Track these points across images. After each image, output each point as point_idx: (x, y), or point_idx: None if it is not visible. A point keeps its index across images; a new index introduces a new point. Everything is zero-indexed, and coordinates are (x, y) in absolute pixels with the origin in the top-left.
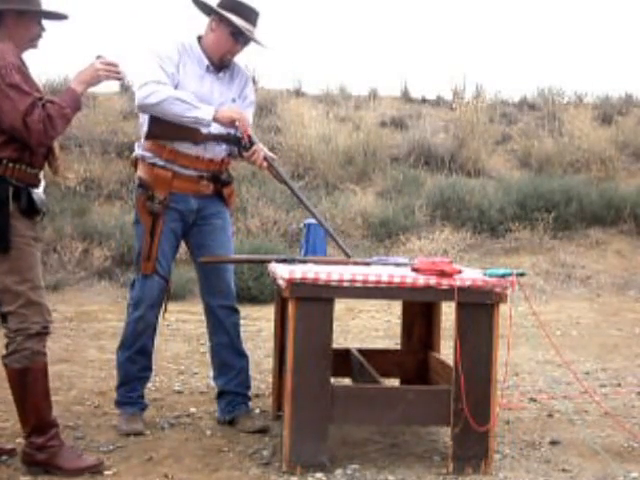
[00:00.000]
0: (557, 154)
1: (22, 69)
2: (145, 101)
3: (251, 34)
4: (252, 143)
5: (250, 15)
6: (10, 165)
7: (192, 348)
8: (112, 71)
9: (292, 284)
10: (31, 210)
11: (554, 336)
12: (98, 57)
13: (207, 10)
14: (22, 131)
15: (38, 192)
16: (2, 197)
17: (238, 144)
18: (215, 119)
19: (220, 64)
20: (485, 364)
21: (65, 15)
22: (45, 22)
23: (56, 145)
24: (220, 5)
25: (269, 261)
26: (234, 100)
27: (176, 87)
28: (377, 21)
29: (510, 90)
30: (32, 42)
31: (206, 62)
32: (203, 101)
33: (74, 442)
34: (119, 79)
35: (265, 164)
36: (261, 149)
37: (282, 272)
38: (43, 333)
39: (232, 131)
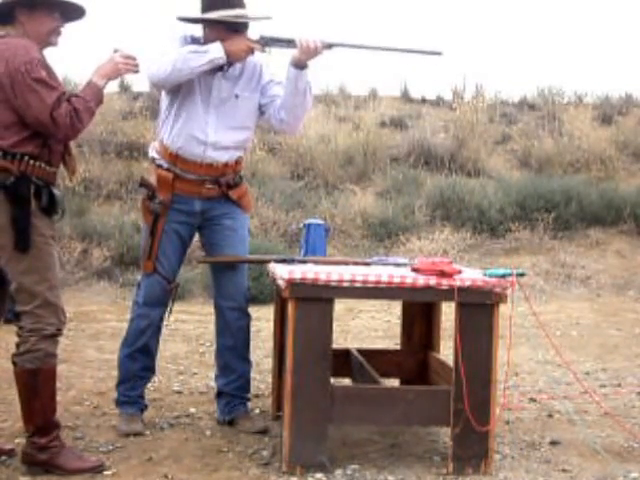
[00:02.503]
0: (557, 154)
1: (46, 64)
2: (161, 75)
3: (246, 18)
4: (290, 41)
5: (238, 1)
6: (31, 162)
7: (191, 348)
8: (131, 64)
9: (292, 284)
10: (52, 209)
11: (554, 336)
12: (116, 51)
13: (195, 21)
14: (49, 125)
15: (57, 191)
16: (24, 195)
17: (283, 42)
18: (228, 53)
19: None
20: (485, 364)
21: (82, 9)
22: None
23: (72, 145)
24: (204, 8)
25: (269, 261)
26: (237, 96)
27: None
28: (376, 21)
29: (510, 90)
30: (49, 38)
31: None
32: (202, 91)
33: (73, 442)
34: (137, 72)
35: (319, 45)
36: (305, 38)
37: (282, 272)
38: (57, 335)
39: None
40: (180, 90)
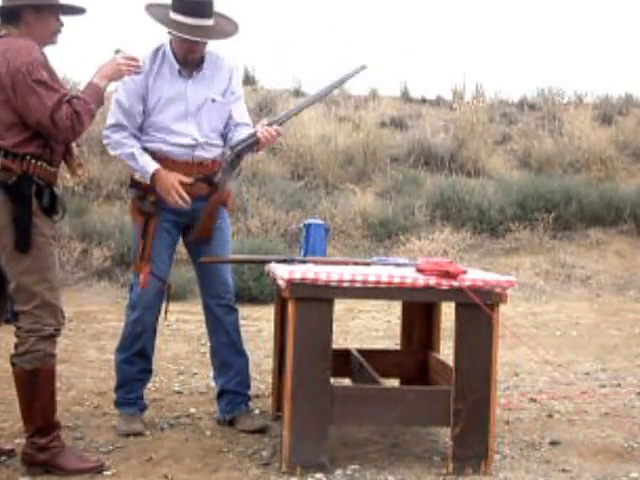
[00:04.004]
0: (557, 154)
1: (47, 65)
2: (107, 148)
3: (200, 32)
4: (254, 139)
5: (198, 8)
6: (32, 162)
7: (192, 348)
8: (132, 65)
9: (292, 284)
10: (53, 209)
11: (554, 336)
12: (117, 51)
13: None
14: (50, 127)
15: (58, 191)
16: (26, 194)
17: (252, 147)
18: (154, 182)
19: (188, 64)
20: (485, 364)
21: (83, 9)
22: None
23: (73, 145)
24: (172, 8)
25: (269, 261)
26: (214, 100)
27: (145, 97)
28: (377, 21)
29: (510, 90)
30: (51, 38)
31: (177, 66)
32: (176, 103)
33: (73, 442)
34: (138, 74)
35: (278, 129)
36: (261, 130)
37: (282, 272)
38: (55, 335)
39: (225, 157)
40: (151, 110)
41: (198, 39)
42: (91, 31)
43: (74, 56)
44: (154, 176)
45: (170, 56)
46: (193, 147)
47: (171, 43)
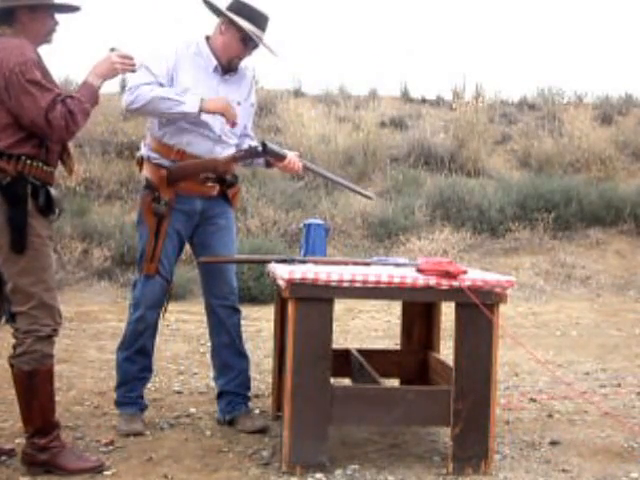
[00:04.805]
0: (557, 154)
1: (41, 65)
2: (131, 106)
3: (260, 40)
4: (283, 155)
5: (260, 20)
6: (28, 162)
7: (192, 348)
8: (127, 64)
9: (292, 284)
10: (49, 209)
11: (554, 336)
12: (112, 50)
13: (217, 12)
14: (44, 127)
15: (54, 191)
16: (21, 195)
17: (276, 156)
18: (203, 110)
19: (228, 67)
20: (485, 364)
21: (77, 7)
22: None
23: (70, 144)
24: (230, 8)
25: (269, 261)
26: (239, 103)
27: (171, 77)
28: (377, 21)
29: (510, 90)
30: (46, 37)
31: (214, 62)
32: (206, 96)
33: (74, 442)
34: (134, 72)
35: (302, 167)
36: (292, 155)
37: (282, 272)
38: (52, 335)
39: (253, 144)
40: None
41: (265, 45)
42: (95, 33)
43: (77, 57)
44: (203, 100)
45: (207, 52)
46: (215, 142)
47: (209, 41)
